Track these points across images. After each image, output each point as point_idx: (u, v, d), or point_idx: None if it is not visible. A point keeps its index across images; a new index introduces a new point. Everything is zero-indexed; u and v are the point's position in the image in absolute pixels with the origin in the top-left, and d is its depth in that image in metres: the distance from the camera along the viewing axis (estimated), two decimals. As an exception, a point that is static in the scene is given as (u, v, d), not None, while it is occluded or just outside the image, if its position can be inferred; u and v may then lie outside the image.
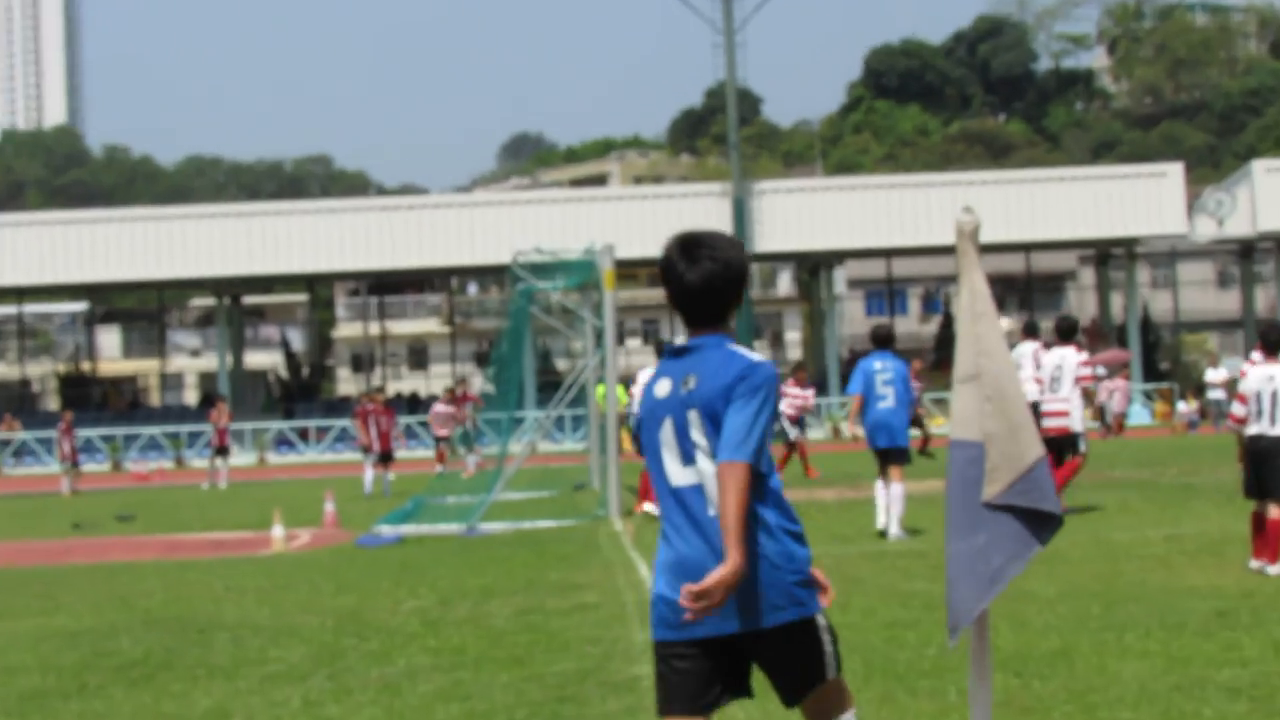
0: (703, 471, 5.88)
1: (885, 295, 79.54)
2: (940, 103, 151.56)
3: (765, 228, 61.70)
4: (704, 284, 5.94)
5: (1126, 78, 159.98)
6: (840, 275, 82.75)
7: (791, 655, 5.92)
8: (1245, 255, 68.03)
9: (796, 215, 62.23)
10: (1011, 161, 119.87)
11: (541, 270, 25.53)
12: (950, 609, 7.15)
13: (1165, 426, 53.23)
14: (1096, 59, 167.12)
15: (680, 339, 6.14)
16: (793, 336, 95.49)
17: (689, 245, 6.03)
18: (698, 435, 5.89)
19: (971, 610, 7.49)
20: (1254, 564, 14.40)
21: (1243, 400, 14.38)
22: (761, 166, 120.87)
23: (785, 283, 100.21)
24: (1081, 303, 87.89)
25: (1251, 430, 14.36)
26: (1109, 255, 68.63)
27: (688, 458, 5.93)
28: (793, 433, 31.17)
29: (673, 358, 6.04)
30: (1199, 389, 58.86)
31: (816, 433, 61.46)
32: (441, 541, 21.50)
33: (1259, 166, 64.57)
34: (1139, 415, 59.08)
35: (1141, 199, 61.42)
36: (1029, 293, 77.72)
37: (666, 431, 5.98)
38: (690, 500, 5.91)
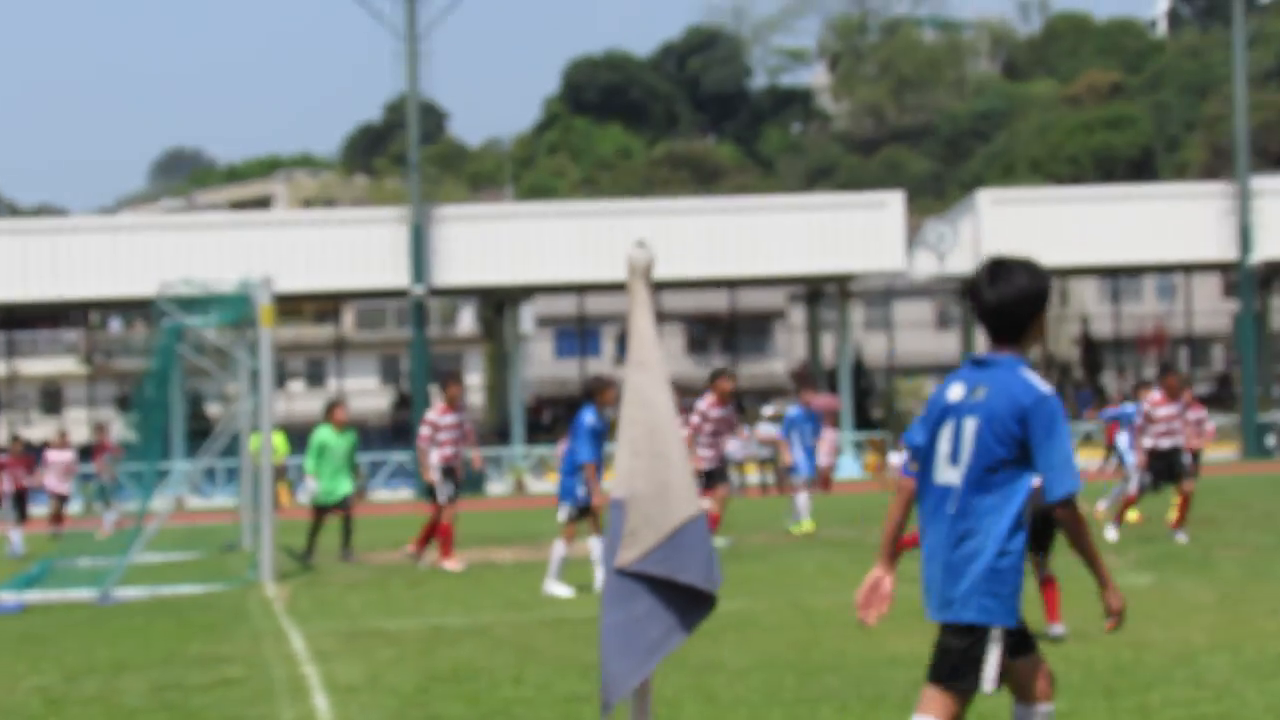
0: (958, 472, 7.46)
1: (577, 335, 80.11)
2: (645, 121, 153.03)
3: (446, 258, 61.51)
4: (1000, 305, 7.43)
5: (848, 97, 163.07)
6: (528, 312, 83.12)
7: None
8: (964, 294, 69.76)
9: (481, 245, 62.13)
10: (721, 187, 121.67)
11: (191, 304, 25.36)
12: (603, 681, 7.45)
13: (876, 480, 54.50)
14: (816, 77, 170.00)
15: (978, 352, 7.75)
16: (474, 380, 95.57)
17: (995, 268, 7.51)
18: (967, 441, 7.43)
19: (626, 683, 7.71)
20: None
21: None
22: (446, 190, 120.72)
23: (467, 320, 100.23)
24: (790, 344, 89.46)
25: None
26: (821, 293, 69.83)
27: (955, 458, 7.47)
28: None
29: (972, 367, 7.59)
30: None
31: (499, 486, 61.56)
32: (70, 610, 21.19)
33: (984, 197, 66.34)
34: (848, 468, 60.30)
35: (858, 231, 62.54)
36: (733, 334, 78.98)
37: (945, 432, 7.53)
38: (944, 497, 7.53)
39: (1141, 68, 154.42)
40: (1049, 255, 63.04)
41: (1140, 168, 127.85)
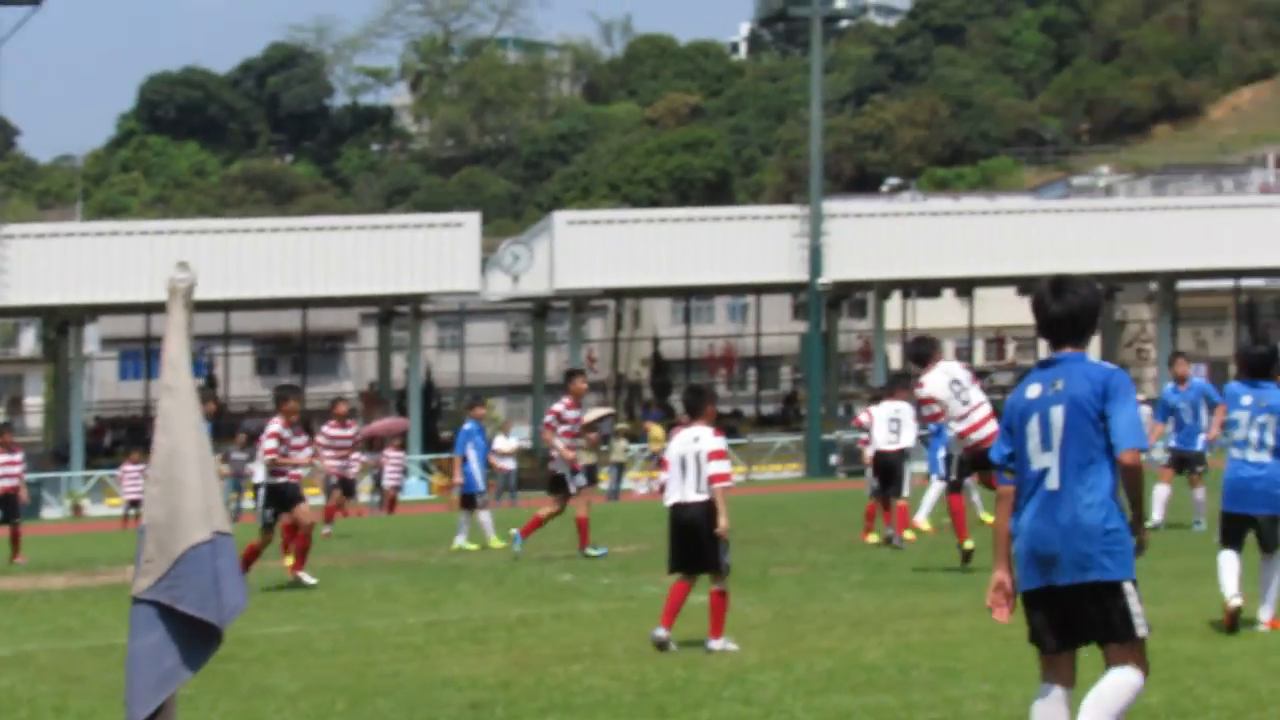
0: (1053, 456, 8.58)
1: (143, 355, 78.47)
2: (222, 140, 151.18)
3: (11, 277, 59.87)
4: (1067, 315, 8.78)
5: (429, 117, 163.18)
6: (93, 333, 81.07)
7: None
8: (540, 315, 70.34)
9: (47, 264, 60.55)
10: (297, 207, 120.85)
11: None
12: (127, 708, 7.33)
13: (443, 501, 54.46)
14: (398, 96, 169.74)
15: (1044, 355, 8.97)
16: (34, 401, 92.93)
17: (1058, 284, 8.90)
18: (1057, 427, 8.59)
19: (142, 712, 7.57)
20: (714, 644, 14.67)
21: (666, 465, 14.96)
22: (14, 207, 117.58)
23: (29, 341, 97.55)
24: (361, 365, 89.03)
25: (673, 498, 14.82)
26: (393, 313, 69.67)
27: (1047, 444, 8.59)
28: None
29: (1041, 369, 8.84)
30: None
31: (55, 510, 59.92)
32: None
33: (560, 219, 66.89)
34: (415, 489, 60.06)
35: (434, 252, 62.51)
36: (304, 354, 78.20)
37: (1033, 425, 8.65)
38: (1044, 478, 8.60)
39: (721, 90, 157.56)
40: (623, 277, 64.24)
41: (717, 190, 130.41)
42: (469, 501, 29.30)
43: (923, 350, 21.41)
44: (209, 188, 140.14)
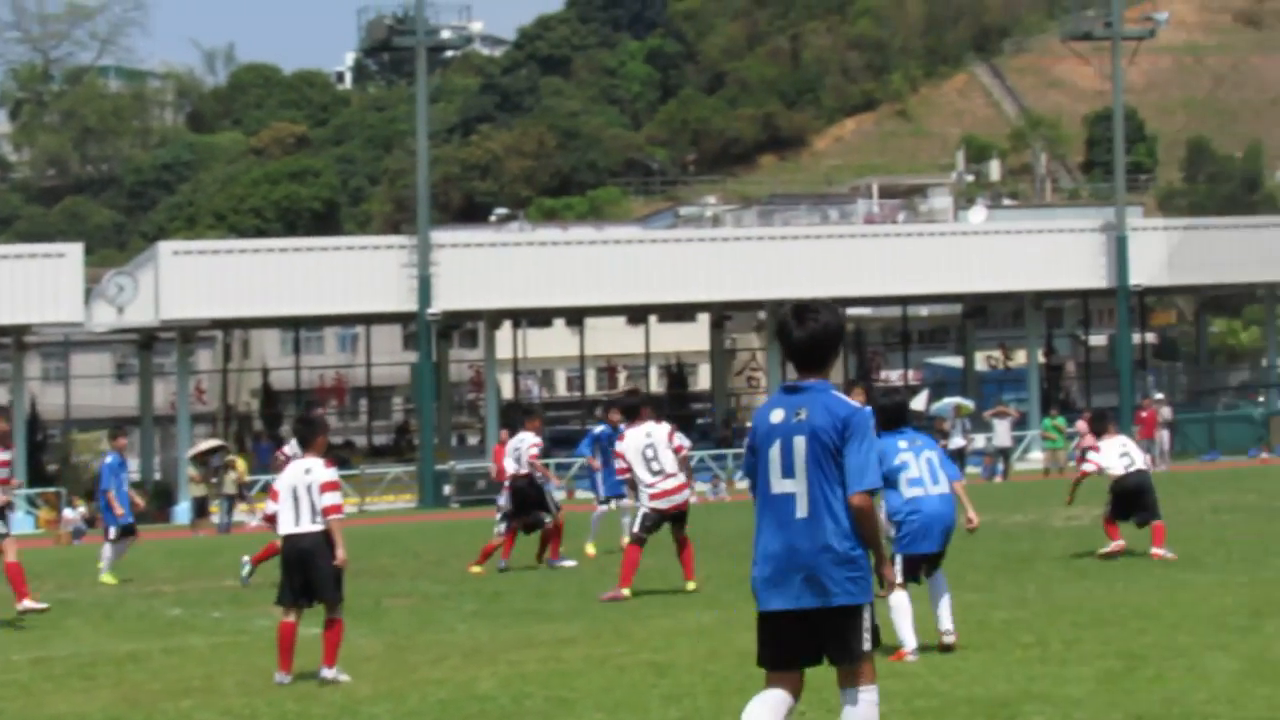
0: (797, 483, 8.90)
1: None
2: None
3: None
4: (810, 341, 9.10)
5: (29, 146, 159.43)
6: None
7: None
8: (146, 345, 69.11)
9: None
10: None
11: None
12: None
13: (50, 536, 53.21)
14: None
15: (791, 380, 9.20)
16: None
17: (801, 311, 9.27)
18: (800, 455, 8.89)
19: None
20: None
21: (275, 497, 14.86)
22: None
23: None
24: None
25: (286, 529, 14.79)
26: (-2, 345, 67.90)
27: (789, 472, 8.91)
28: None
29: (787, 394, 9.07)
30: (90, 493, 59.08)
31: None
32: None
33: (165, 249, 65.72)
34: (22, 523, 58.35)
35: (35, 282, 60.96)
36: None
37: (774, 450, 8.94)
38: (783, 505, 8.96)
39: (328, 120, 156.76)
40: (230, 307, 63.49)
41: (325, 220, 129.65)
42: (129, 531, 28.47)
43: (631, 404, 22.19)
44: None
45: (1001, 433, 58.96)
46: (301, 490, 14.76)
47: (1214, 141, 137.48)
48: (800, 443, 8.87)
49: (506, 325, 76.17)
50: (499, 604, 21.04)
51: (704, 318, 79.45)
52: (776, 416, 9.01)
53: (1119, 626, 15.61)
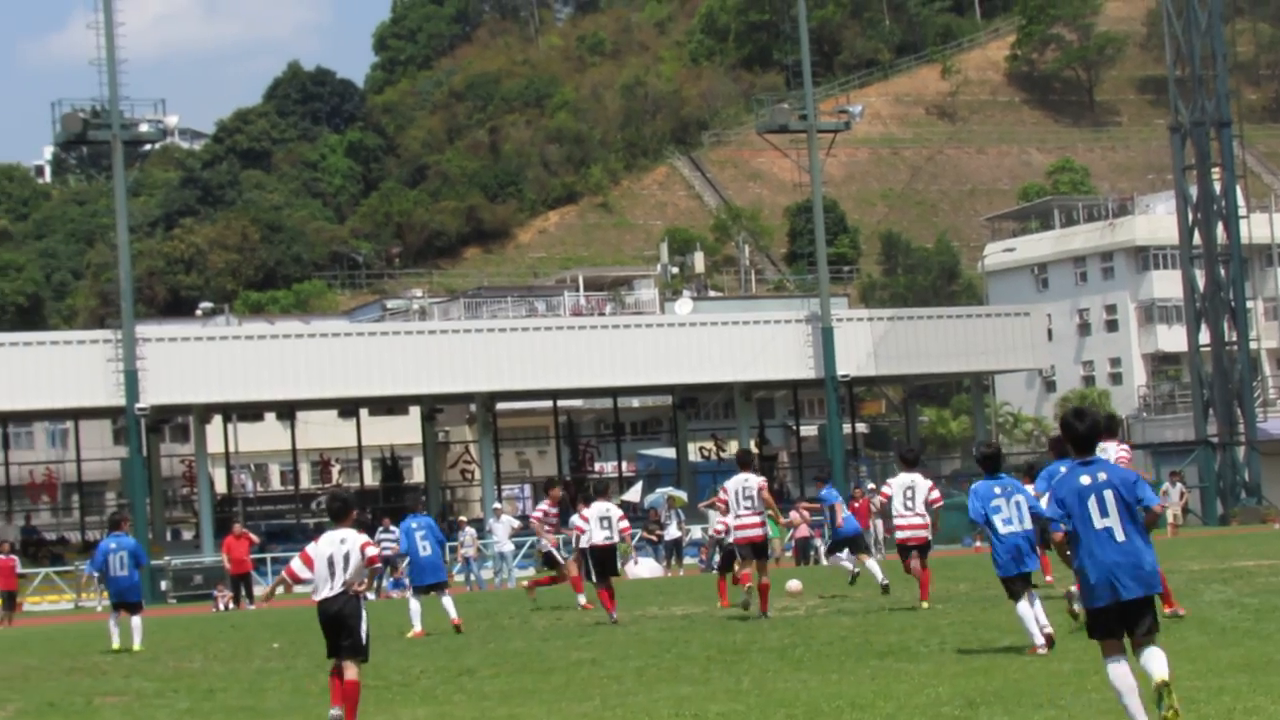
0: (1112, 520, 13.08)
1: None
2: None
3: None
4: (1090, 430, 13.42)
5: None
6: None
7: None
8: None
9: None
10: None
11: None
12: None
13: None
14: None
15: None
16: None
17: (1079, 412, 13.47)
18: (1111, 503, 13.10)
19: None
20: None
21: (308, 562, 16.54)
22: None
23: None
24: None
25: (322, 594, 16.37)
26: None
27: (1104, 512, 13.07)
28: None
29: (1083, 465, 13.25)
30: None
31: None
32: None
33: None
34: None
35: None
36: None
37: (1092, 501, 13.09)
38: (1109, 533, 13.04)
39: (29, 214, 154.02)
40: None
41: (29, 314, 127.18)
42: None
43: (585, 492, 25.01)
44: None
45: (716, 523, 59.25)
46: (338, 558, 16.32)
47: (911, 233, 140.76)
48: (1110, 494, 13.01)
49: (217, 419, 75.23)
50: (213, 701, 20.68)
51: (416, 410, 79.19)
52: (1085, 480, 13.09)
53: (833, 718, 15.79)
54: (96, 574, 32.51)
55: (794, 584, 31.66)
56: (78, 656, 28.81)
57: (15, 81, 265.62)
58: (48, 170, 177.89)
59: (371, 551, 16.52)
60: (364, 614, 16.48)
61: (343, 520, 16.74)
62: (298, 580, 17.04)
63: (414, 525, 30.25)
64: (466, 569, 57.31)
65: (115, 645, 29.48)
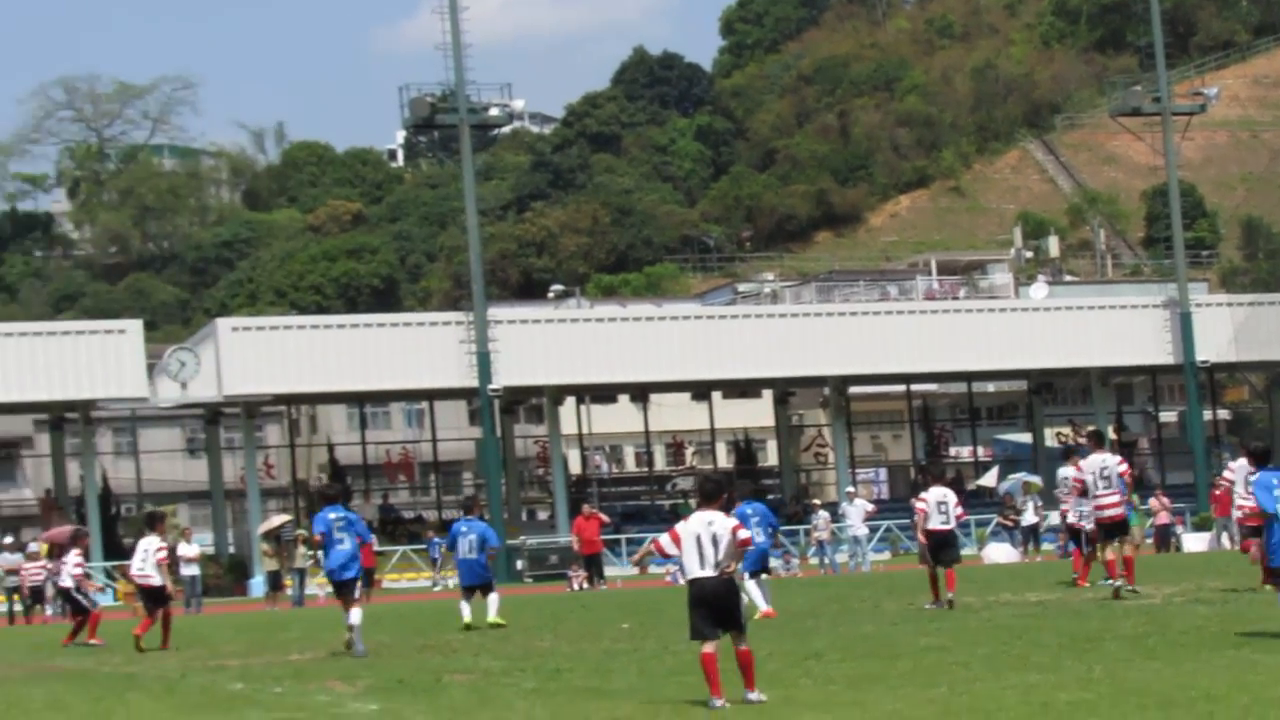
0: None
1: None
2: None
3: None
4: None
5: (90, 224, 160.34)
6: None
7: None
8: (213, 420, 69.29)
9: None
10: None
11: None
12: None
13: (128, 609, 53.22)
14: (56, 203, 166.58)
15: None
16: None
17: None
18: None
19: None
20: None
21: (676, 539, 16.65)
22: None
23: None
24: (38, 472, 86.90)
25: (693, 574, 16.50)
26: (64, 419, 68.25)
27: None
28: None
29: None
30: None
31: None
32: None
33: (223, 325, 66.04)
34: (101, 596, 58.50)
35: (99, 358, 61.40)
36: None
37: None
38: None
39: (382, 197, 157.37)
40: (293, 383, 63.61)
41: (385, 295, 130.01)
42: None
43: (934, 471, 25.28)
44: None
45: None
46: (705, 539, 16.44)
47: (1273, 217, 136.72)
48: None
49: (570, 401, 76.12)
50: (559, 681, 20.70)
51: (768, 394, 79.28)
52: None
53: (1186, 709, 15.19)
54: (444, 553, 33.42)
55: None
56: (430, 634, 29.22)
57: (367, 67, 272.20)
58: (400, 154, 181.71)
59: (744, 534, 16.67)
60: (740, 594, 16.75)
61: (713, 502, 16.80)
62: (664, 555, 17.24)
63: (463, 530, 30.77)
64: (820, 552, 57.24)
65: (466, 620, 29.87)
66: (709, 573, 16.43)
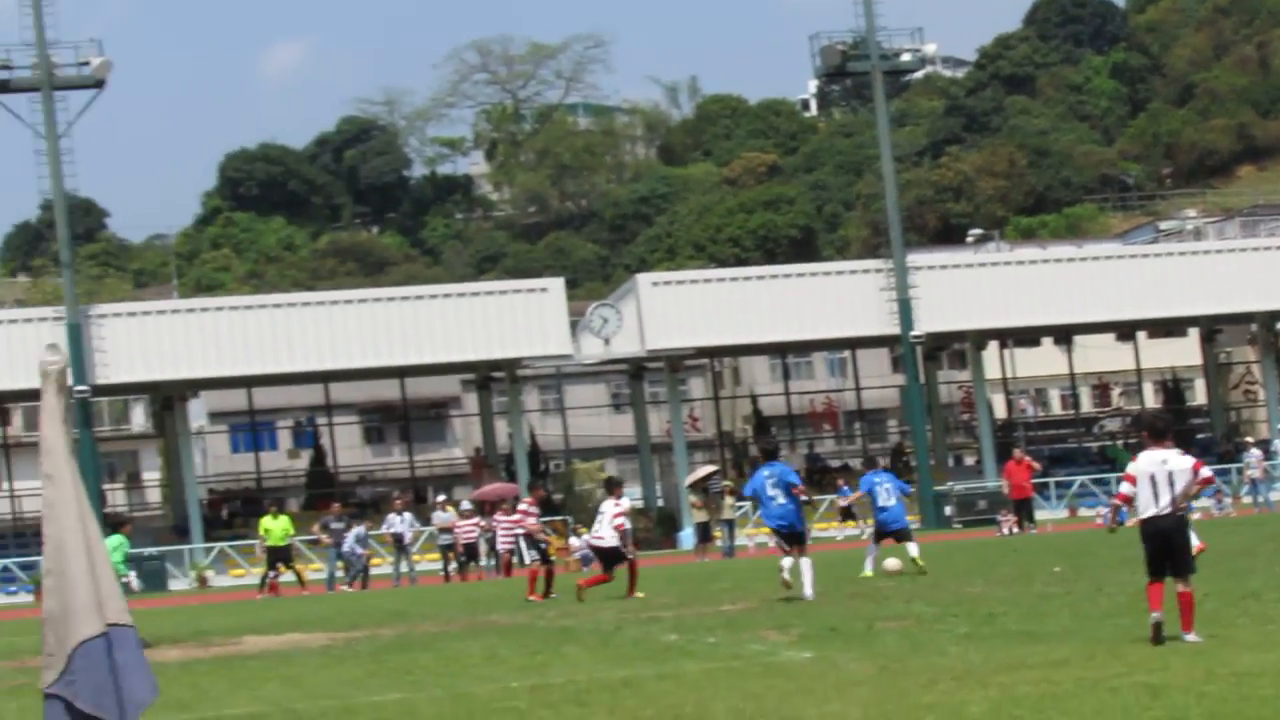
0: None
1: (250, 428, 79.02)
2: (307, 214, 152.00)
3: (110, 356, 60.41)
4: None
5: (508, 185, 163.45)
6: (201, 407, 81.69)
7: None
8: (636, 375, 70.28)
9: (144, 341, 61.08)
10: (389, 278, 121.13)
11: None
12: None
13: (560, 564, 54.33)
14: (475, 165, 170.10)
15: None
16: (151, 476, 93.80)
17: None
18: None
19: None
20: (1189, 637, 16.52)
21: (1131, 481, 16.85)
22: (110, 287, 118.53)
23: (139, 416, 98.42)
24: (467, 431, 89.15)
25: (1147, 513, 16.67)
26: (491, 379, 69.87)
27: None
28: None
29: None
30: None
31: (180, 583, 60.23)
32: None
33: (644, 281, 66.90)
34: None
35: (522, 317, 62.72)
36: (407, 422, 78.28)
37: None
38: None
39: (797, 148, 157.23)
40: (713, 336, 64.12)
41: (802, 246, 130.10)
42: None
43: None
44: (299, 261, 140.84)
45: None
46: (1160, 477, 16.58)
47: None
48: None
49: (993, 345, 75.36)
50: (992, 625, 20.47)
51: (1194, 332, 77.43)
52: None
53: None
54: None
55: (892, 562, 30.85)
56: (859, 582, 29.17)
57: (778, 17, 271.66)
58: (812, 103, 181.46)
59: (1206, 473, 16.76)
60: (1190, 532, 16.91)
61: (1163, 440, 16.91)
62: (1128, 501, 17.13)
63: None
64: (1254, 490, 56.09)
65: (867, 572, 30.04)
66: (1161, 510, 16.54)
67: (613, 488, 32.94)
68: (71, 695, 7.04)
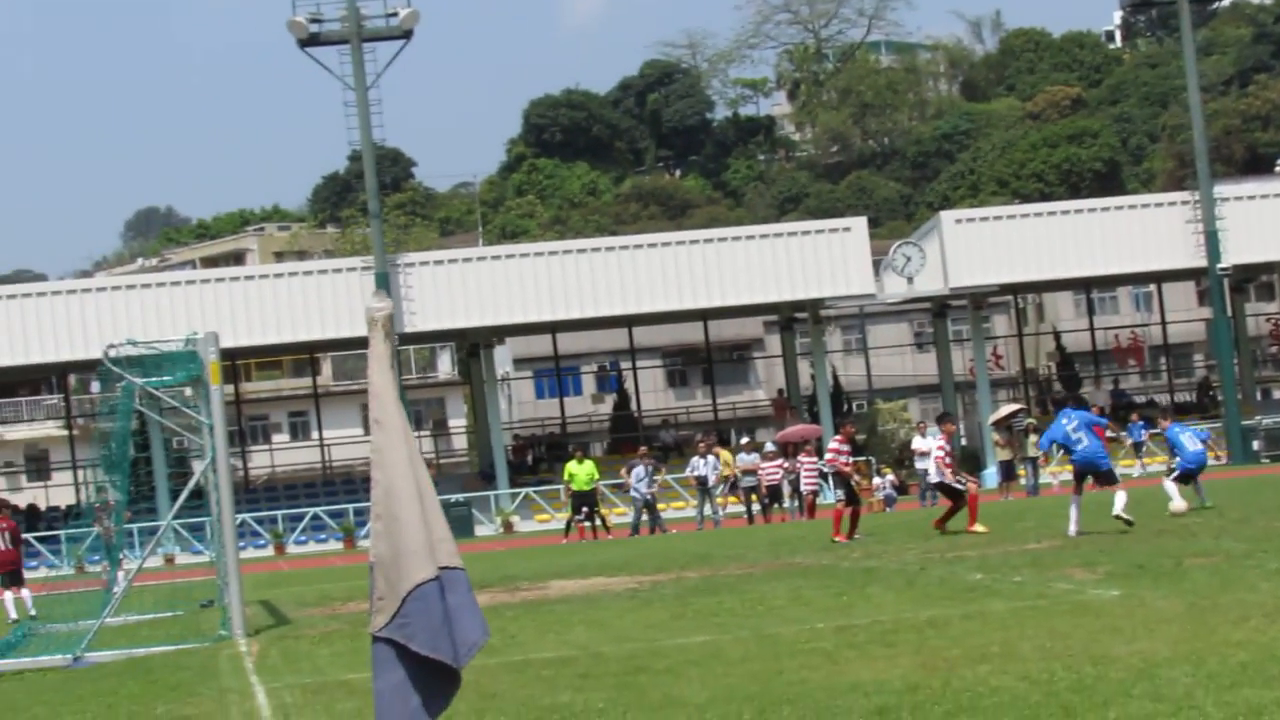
0: None
1: (554, 373, 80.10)
2: (610, 158, 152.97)
3: (418, 304, 61.50)
4: None
5: (811, 125, 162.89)
6: (505, 353, 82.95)
7: None
8: (939, 314, 69.87)
9: (451, 289, 62.07)
10: (691, 220, 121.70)
11: (143, 363, 24.98)
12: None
13: (865, 504, 54.20)
14: (777, 106, 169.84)
15: None
16: (458, 422, 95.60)
17: None
18: None
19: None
20: None
21: None
22: (416, 235, 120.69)
23: (445, 364, 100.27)
24: (769, 373, 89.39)
25: None
26: (794, 320, 69.94)
27: None
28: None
29: None
30: (899, 461, 60.00)
31: (487, 529, 61.29)
32: (43, 675, 21.04)
33: (947, 218, 66.39)
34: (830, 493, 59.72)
35: (825, 257, 62.64)
36: (711, 364, 78.83)
37: None
38: None
39: (1101, 80, 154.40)
40: (1017, 272, 63.51)
41: (1106, 180, 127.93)
42: None
43: None
44: (603, 206, 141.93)
45: None
46: None
47: None
48: None
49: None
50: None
51: None
52: None
53: None
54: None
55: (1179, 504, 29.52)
56: (1163, 519, 28.81)
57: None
58: (1117, 35, 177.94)
59: None
60: None
61: None
62: None
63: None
64: None
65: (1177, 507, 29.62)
66: None
67: (941, 421, 34.22)
68: (405, 638, 7.30)
